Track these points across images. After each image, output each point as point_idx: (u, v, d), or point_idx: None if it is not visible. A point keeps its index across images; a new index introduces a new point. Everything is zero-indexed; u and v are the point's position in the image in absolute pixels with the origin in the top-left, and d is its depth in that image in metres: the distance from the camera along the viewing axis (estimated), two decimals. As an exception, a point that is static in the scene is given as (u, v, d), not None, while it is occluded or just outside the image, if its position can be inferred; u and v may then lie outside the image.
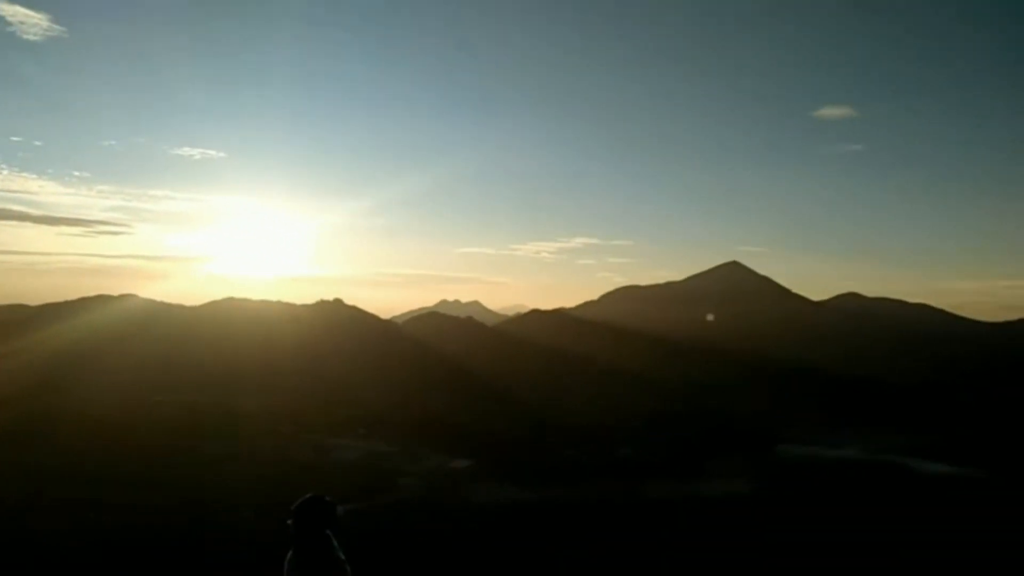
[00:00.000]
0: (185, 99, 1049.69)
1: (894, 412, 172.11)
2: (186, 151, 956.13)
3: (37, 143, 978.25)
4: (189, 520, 74.84)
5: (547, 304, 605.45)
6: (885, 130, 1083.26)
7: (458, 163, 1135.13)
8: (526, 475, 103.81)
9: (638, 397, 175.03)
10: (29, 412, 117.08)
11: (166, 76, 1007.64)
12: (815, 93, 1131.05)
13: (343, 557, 8.57)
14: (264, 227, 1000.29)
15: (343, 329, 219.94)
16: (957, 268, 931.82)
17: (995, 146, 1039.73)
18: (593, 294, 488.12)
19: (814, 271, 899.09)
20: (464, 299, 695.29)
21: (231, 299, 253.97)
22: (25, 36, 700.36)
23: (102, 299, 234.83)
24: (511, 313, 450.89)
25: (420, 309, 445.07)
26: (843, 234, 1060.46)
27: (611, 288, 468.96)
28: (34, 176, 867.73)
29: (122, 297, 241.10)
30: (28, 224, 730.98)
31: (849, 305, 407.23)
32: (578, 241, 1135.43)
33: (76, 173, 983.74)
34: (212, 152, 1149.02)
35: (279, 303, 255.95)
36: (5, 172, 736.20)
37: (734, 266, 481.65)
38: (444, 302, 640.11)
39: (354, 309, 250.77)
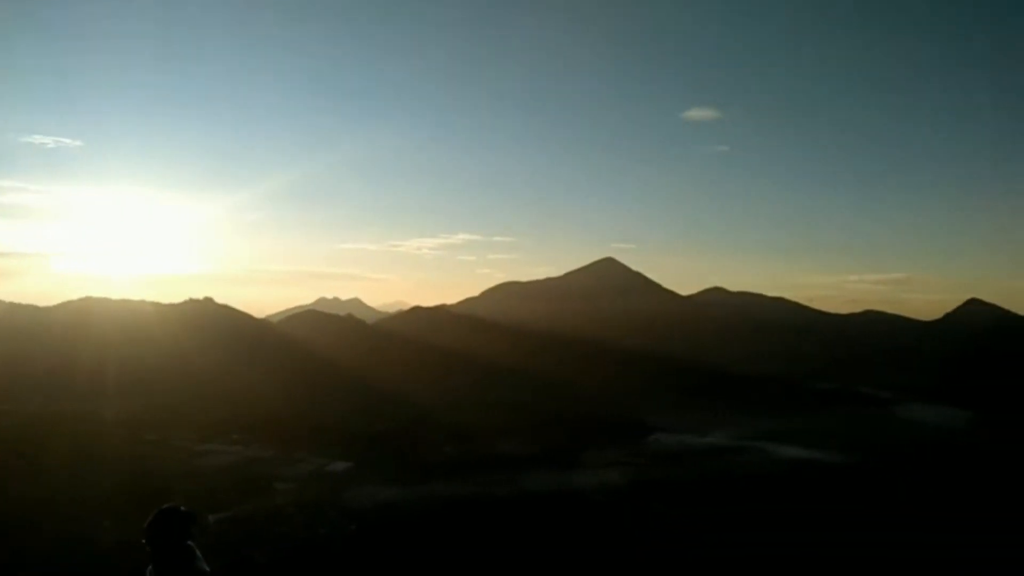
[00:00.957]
0: (35, 82, 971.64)
1: (756, 400, 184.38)
2: (37, 139, 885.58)
3: None
4: (35, 535, 69.33)
5: (429, 301, 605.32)
6: (749, 132, 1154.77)
7: (338, 156, 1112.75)
8: (406, 474, 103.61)
9: (517, 392, 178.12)
10: None
11: (15, 56, 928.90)
12: (683, 95, 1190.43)
13: (207, 568, 8.47)
14: (128, 222, 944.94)
15: (214, 329, 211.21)
16: (811, 263, 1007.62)
17: (849, 149, 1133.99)
18: (475, 290, 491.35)
19: (683, 267, 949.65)
20: (344, 296, 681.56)
21: (88, 298, 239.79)
22: None
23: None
24: (392, 310, 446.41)
25: (297, 307, 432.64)
26: (710, 231, 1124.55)
27: (492, 284, 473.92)
28: None
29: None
30: None
31: (714, 299, 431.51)
32: (460, 237, 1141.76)
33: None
34: (67, 140, 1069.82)
35: (143, 302, 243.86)
36: None
37: (609, 262, 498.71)
38: (323, 299, 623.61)
39: (226, 308, 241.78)
